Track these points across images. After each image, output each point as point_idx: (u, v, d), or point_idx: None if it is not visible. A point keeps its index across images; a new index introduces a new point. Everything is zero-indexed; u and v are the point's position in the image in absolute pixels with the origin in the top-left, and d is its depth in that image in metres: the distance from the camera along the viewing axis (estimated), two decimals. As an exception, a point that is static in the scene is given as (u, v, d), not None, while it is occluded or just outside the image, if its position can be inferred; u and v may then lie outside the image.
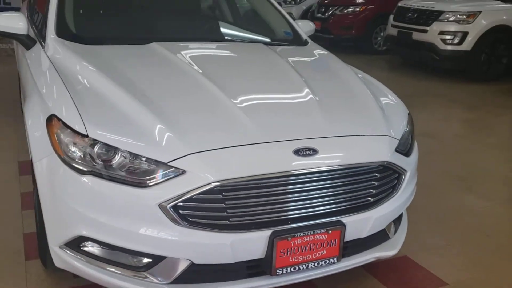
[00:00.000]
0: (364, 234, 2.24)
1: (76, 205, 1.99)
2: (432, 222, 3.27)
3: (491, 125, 5.85)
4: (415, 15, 8.36)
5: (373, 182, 2.22)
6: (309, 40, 3.41)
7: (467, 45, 7.86)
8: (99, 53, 2.64)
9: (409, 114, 2.67)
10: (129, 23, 3.17)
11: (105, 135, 1.99)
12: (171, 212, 1.89)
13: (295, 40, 3.38)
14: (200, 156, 1.93)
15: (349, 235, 2.18)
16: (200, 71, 2.49)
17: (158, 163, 1.93)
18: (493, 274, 2.73)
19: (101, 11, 3.30)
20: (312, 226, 2.07)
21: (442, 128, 5.55)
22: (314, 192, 2.08)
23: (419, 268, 2.74)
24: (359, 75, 2.92)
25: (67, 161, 2.00)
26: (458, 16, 7.89)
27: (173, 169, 1.91)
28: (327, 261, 2.15)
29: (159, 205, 1.89)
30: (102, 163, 1.96)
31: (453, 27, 7.90)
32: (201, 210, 1.93)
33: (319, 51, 3.24)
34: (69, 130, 2.03)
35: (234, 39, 3.29)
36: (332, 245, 2.14)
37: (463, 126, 5.78)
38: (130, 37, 2.97)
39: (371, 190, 2.22)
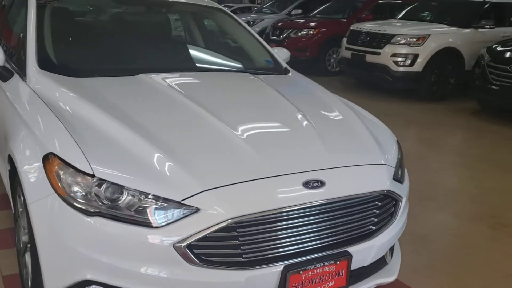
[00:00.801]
0: (367, 262, 2.27)
1: (81, 247, 1.90)
2: (415, 243, 3.35)
3: (448, 143, 6.11)
4: (368, 38, 8.66)
5: (374, 210, 2.26)
6: (289, 68, 3.46)
7: (418, 67, 8.22)
8: (89, 86, 2.55)
9: (397, 141, 2.74)
10: (114, 55, 3.10)
11: (113, 174, 1.92)
12: (186, 252, 1.85)
13: (276, 68, 3.41)
14: (213, 193, 1.91)
15: (354, 265, 2.20)
16: (197, 103, 2.46)
17: (170, 201, 1.88)
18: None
19: (83, 42, 3.19)
20: (322, 258, 2.08)
21: (403, 148, 5.72)
22: (323, 224, 2.09)
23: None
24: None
25: (71, 201, 1.92)
26: (408, 39, 8.24)
27: (186, 207, 1.87)
28: (335, 292, 2.16)
29: (173, 245, 1.84)
30: (110, 203, 1.89)
31: (404, 50, 8.24)
32: (215, 248, 1.90)
33: (303, 80, 3.29)
34: (71, 169, 1.95)
35: (220, 69, 3.28)
36: (340, 275, 2.15)
37: (422, 146, 6.00)
38: (117, 68, 2.90)
39: (373, 219, 2.26)
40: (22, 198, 2.36)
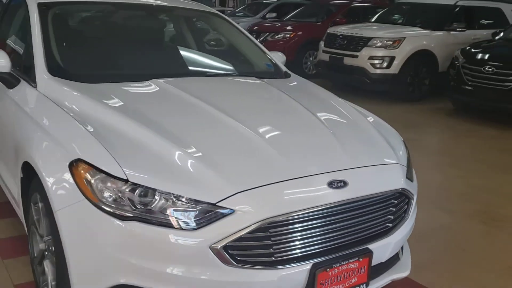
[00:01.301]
0: (384, 258, 2.35)
1: (115, 252, 1.92)
2: (416, 240, 3.45)
3: (431, 144, 6.30)
4: (345, 41, 8.83)
5: (391, 208, 2.34)
6: (289, 72, 3.53)
7: (394, 69, 8.44)
8: (104, 92, 2.55)
9: (403, 140, 2.84)
10: (124, 60, 3.10)
11: (146, 178, 1.95)
12: (222, 253, 1.88)
13: (277, 72, 3.47)
14: (246, 195, 1.95)
15: (374, 261, 2.28)
16: (215, 107, 2.49)
17: (205, 204, 1.91)
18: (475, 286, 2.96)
19: (90, 48, 3.18)
20: (346, 255, 2.15)
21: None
22: (346, 223, 2.16)
23: (420, 286, 2.90)
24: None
25: (103, 207, 1.93)
26: (385, 42, 8.45)
27: (221, 209, 1.91)
28: (359, 287, 2.24)
29: (209, 247, 1.88)
30: (144, 207, 1.92)
31: (381, 52, 8.45)
32: (248, 249, 1.94)
33: (306, 83, 3.37)
34: (103, 174, 1.96)
35: (226, 73, 3.31)
36: (362, 272, 2.23)
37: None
38: (128, 74, 2.91)
39: (390, 216, 2.34)
40: (40, 205, 2.35)
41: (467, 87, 7.43)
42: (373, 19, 10.43)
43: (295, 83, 3.35)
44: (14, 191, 2.82)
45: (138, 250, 1.91)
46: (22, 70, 2.87)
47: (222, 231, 1.89)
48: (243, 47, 3.64)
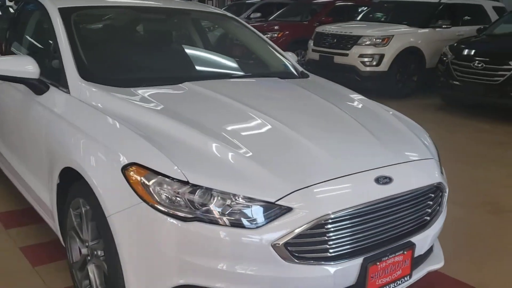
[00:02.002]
0: (423, 251, 2.44)
1: (176, 253, 1.95)
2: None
3: (427, 138, 6.43)
4: (335, 40, 8.94)
5: (429, 202, 2.43)
6: (306, 71, 3.59)
7: (384, 66, 8.59)
8: (142, 95, 2.57)
9: (429, 136, 2.93)
10: (153, 64, 3.11)
11: (205, 179, 1.97)
12: (284, 250, 1.93)
13: (295, 72, 3.52)
14: (303, 193, 2.00)
15: (415, 253, 2.36)
16: (254, 109, 2.53)
17: (265, 203, 1.96)
18: (501, 275, 3.07)
19: (118, 51, 3.18)
20: (393, 249, 2.22)
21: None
22: (391, 217, 2.23)
23: (445, 277, 2.99)
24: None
25: (164, 209, 1.95)
26: (374, 40, 8.59)
27: (280, 207, 1.96)
28: (402, 280, 2.31)
29: (271, 245, 1.92)
30: (205, 207, 1.95)
31: (371, 50, 8.59)
32: (306, 245, 1.99)
33: (327, 82, 3.44)
34: (162, 177, 1.99)
35: (251, 75, 3.34)
36: (406, 264, 2.30)
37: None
38: (160, 77, 2.92)
39: (428, 210, 2.43)
40: (83, 210, 2.36)
41: (457, 82, 7.61)
42: (359, 18, 10.60)
43: (318, 82, 3.41)
44: (44, 197, 2.81)
45: (199, 250, 1.94)
46: (49, 76, 2.85)
47: (282, 228, 1.94)
48: (260, 48, 3.68)
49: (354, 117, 2.67)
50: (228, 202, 1.96)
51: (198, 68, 3.25)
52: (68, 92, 2.66)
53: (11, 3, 3.94)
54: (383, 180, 2.20)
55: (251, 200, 1.96)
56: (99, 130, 2.33)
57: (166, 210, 1.96)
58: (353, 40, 8.68)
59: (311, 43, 9.45)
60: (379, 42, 8.58)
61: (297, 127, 2.39)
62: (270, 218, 1.95)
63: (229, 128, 2.34)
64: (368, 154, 2.35)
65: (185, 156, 2.07)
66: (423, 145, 2.62)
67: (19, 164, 3.21)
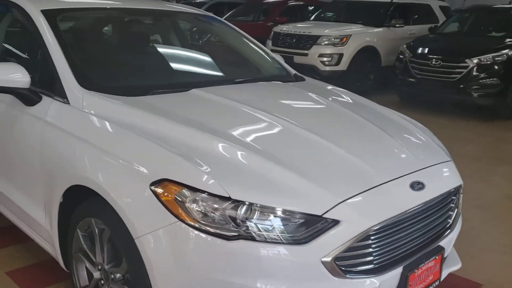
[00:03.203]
0: (447, 253, 2.42)
1: (218, 273, 1.83)
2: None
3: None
4: (294, 40, 8.95)
5: (451, 204, 2.42)
6: (299, 74, 3.51)
7: (343, 65, 8.69)
8: (153, 104, 2.39)
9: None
10: (155, 70, 2.91)
11: (247, 194, 1.85)
12: (334, 265, 1.85)
13: (289, 75, 3.44)
14: (348, 204, 1.92)
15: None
16: (275, 115, 2.42)
17: (311, 216, 1.86)
18: (506, 270, 3.14)
19: (116, 57, 2.96)
20: (427, 254, 2.19)
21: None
22: (424, 223, 2.20)
23: (452, 275, 3.00)
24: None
25: (203, 228, 1.82)
26: (333, 39, 8.67)
27: (326, 220, 1.87)
28: (433, 285, 2.29)
29: (321, 260, 1.83)
30: (248, 224, 1.83)
31: (330, 50, 8.66)
32: (352, 258, 1.92)
33: (328, 85, 3.39)
34: (201, 194, 1.84)
35: (252, 79, 3.21)
36: (436, 269, 2.28)
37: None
38: (166, 84, 2.72)
39: (451, 212, 2.42)
40: (96, 231, 2.17)
41: (415, 80, 7.82)
42: (312, 17, 10.68)
43: (320, 86, 3.36)
44: (37, 216, 2.58)
45: (244, 270, 1.82)
46: (39, 85, 2.60)
47: (331, 243, 1.85)
48: (256, 53, 3.57)
49: (372, 122, 2.62)
50: (273, 217, 1.85)
51: (202, 74, 3.10)
52: (67, 103, 2.43)
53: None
54: (417, 186, 2.16)
55: (296, 214, 1.86)
56: (116, 144, 2.13)
57: (206, 229, 1.82)
58: (312, 40, 8.71)
59: (269, 43, 9.40)
60: (337, 42, 8.66)
61: (326, 135, 2.30)
62: (317, 232, 1.86)
63: (257, 137, 2.23)
64: (397, 160, 2.31)
65: (220, 170, 1.93)
66: (439, 148, 2.62)
67: (1, 181, 2.92)
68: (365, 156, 2.23)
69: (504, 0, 11.85)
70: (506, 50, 7.42)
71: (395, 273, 2.04)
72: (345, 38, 8.68)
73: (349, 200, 1.93)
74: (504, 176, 5.07)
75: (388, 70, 9.03)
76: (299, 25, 9.47)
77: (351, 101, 3.09)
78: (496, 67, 7.26)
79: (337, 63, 8.64)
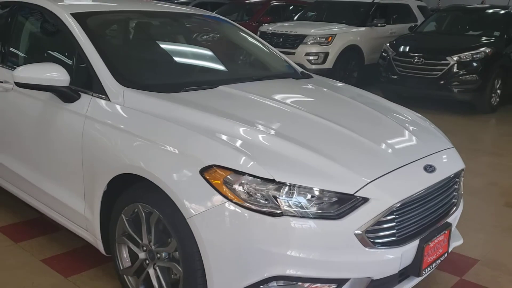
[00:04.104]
0: (453, 229, 2.72)
1: (268, 247, 2.07)
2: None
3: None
4: (281, 39, 9.22)
5: (455, 186, 2.72)
6: (305, 71, 3.78)
7: (329, 64, 9.01)
8: (189, 100, 2.61)
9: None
10: (185, 68, 3.14)
11: (289, 176, 2.11)
12: (364, 237, 2.12)
13: (297, 72, 3.70)
14: (375, 184, 2.20)
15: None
16: (293, 107, 2.69)
17: (345, 195, 2.13)
18: (499, 248, 3.47)
19: (148, 57, 3.17)
20: (438, 229, 2.48)
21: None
22: (436, 201, 2.49)
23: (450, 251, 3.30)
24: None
25: (253, 207, 2.07)
26: (319, 38, 8.97)
27: (358, 198, 2.14)
28: (442, 257, 2.58)
29: (354, 233, 2.10)
30: (291, 203, 2.08)
31: (316, 49, 8.96)
32: (379, 231, 2.19)
33: (332, 81, 3.66)
34: (249, 177, 2.09)
35: (268, 76, 3.47)
36: (445, 242, 2.58)
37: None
38: (196, 81, 2.96)
39: (455, 193, 2.72)
40: (143, 215, 2.39)
41: (398, 77, 8.18)
42: (296, 17, 10.99)
43: (328, 82, 3.63)
44: (76, 206, 2.77)
45: (289, 243, 2.08)
46: (76, 83, 2.79)
47: (362, 217, 2.13)
48: (267, 52, 3.83)
49: (383, 113, 2.90)
50: (311, 196, 2.11)
51: (225, 72, 3.33)
52: (108, 99, 2.64)
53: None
54: (429, 169, 2.45)
55: (332, 193, 2.12)
56: (163, 135, 2.35)
57: (254, 207, 2.07)
58: (299, 39, 9.00)
59: (256, 42, 9.63)
60: (323, 41, 8.97)
61: (348, 125, 2.57)
62: (350, 208, 2.12)
63: (287, 127, 2.48)
64: (411, 146, 2.60)
65: (262, 156, 2.18)
66: (442, 135, 2.92)
67: (34, 174, 3.10)
68: (384, 142, 2.51)
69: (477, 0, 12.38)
70: (484, 48, 7.84)
71: (413, 245, 2.32)
72: (330, 37, 9.00)
73: (375, 181, 2.21)
74: (487, 165, 5.44)
75: (371, 68, 9.39)
76: (286, 24, 9.75)
77: (357, 94, 3.37)
78: (474, 64, 7.67)
79: (323, 62, 8.95)
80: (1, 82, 3.25)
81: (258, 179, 2.09)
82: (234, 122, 2.39)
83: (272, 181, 2.09)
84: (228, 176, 2.12)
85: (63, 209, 2.92)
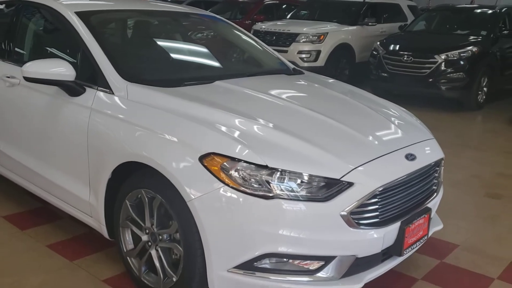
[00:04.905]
0: (433, 214, 2.94)
1: (262, 227, 2.27)
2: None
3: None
4: (274, 38, 9.42)
5: (435, 174, 2.93)
6: (297, 68, 3.99)
7: (321, 62, 9.22)
8: (189, 94, 2.79)
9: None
10: (183, 64, 3.33)
11: (280, 162, 2.31)
12: (350, 218, 2.32)
13: (288, 69, 3.91)
14: (360, 170, 2.40)
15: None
16: (288, 101, 2.89)
17: (332, 180, 2.33)
18: (479, 234, 3.69)
19: (150, 53, 3.36)
20: (419, 213, 2.69)
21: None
22: (416, 187, 2.70)
23: (432, 237, 3.52)
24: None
25: (248, 191, 2.26)
26: (311, 37, 9.18)
27: (344, 183, 2.34)
28: (422, 239, 2.79)
29: (340, 214, 2.31)
30: (283, 187, 2.28)
31: (308, 47, 9.17)
32: (362, 213, 2.40)
33: (325, 77, 3.87)
34: (242, 163, 2.29)
35: (261, 72, 3.67)
36: (425, 226, 2.78)
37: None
38: (194, 77, 3.15)
39: (435, 180, 2.93)
40: (146, 199, 2.58)
41: (388, 75, 8.40)
42: (289, 16, 11.19)
43: (319, 77, 3.84)
44: (82, 193, 2.95)
45: (280, 223, 2.27)
46: (80, 77, 2.96)
47: (347, 200, 2.33)
48: (260, 50, 4.03)
49: (368, 106, 3.11)
50: (301, 181, 2.31)
51: (221, 68, 3.53)
52: (112, 93, 2.83)
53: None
54: (410, 157, 2.66)
55: (320, 178, 2.32)
56: (165, 125, 2.54)
57: (248, 191, 2.27)
58: (292, 38, 9.21)
59: (250, 41, 9.83)
60: (315, 39, 9.18)
61: (335, 117, 2.78)
62: (337, 192, 2.33)
63: (279, 118, 2.67)
64: (393, 137, 2.81)
65: (256, 144, 2.38)
66: (423, 127, 3.13)
67: (39, 164, 3.27)
68: (369, 132, 2.72)
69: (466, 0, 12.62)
70: (471, 47, 8.08)
71: (395, 227, 2.52)
72: (322, 36, 9.21)
73: (360, 167, 2.42)
74: (471, 159, 5.67)
75: (362, 66, 9.60)
76: (279, 23, 9.95)
77: (347, 89, 3.59)
78: (462, 62, 7.91)
79: (315, 60, 9.16)
80: (8, 77, 3.42)
81: (253, 165, 2.29)
82: (231, 114, 2.59)
83: (265, 167, 2.29)
84: (225, 163, 2.31)
85: (68, 196, 3.10)
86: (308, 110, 2.82)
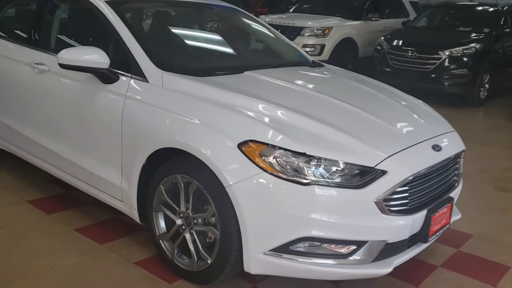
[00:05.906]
0: (454, 203, 3.05)
1: (299, 211, 2.36)
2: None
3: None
4: (278, 31, 9.40)
5: (457, 165, 3.04)
6: (316, 61, 4.08)
7: (325, 55, 9.30)
8: (224, 83, 2.87)
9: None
10: (215, 54, 3.40)
11: (318, 150, 2.40)
12: (382, 205, 2.43)
13: (308, 61, 4.00)
14: (392, 159, 2.50)
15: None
16: (321, 93, 2.99)
17: (366, 168, 2.43)
18: (491, 225, 3.82)
19: (181, 43, 3.43)
20: (442, 202, 2.80)
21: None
22: (441, 177, 2.81)
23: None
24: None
25: (285, 177, 2.36)
26: (315, 31, 9.26)
27: (377, 171, 2.44)
28: (445, 227, 2.90)
29: (374, 201, 2.41)
30: (320, 173, 2.38)
31: (313, 41, 9.25)
32: (394, 201, 2.50)
33: (343, 70, 3.96)
34: (281, 150, 2.38)
35: (287, 63, 3.77)
36: (447, 214, 2.90)
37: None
38: (225, 67, 3.23)
39: (456, 171, 3.04)
40: (182, 185, 2.66)
41: (392, 70, 8.51)
42: (292, 9, 11.26)
43: (339, 70, 3.94)
44: (114, 179, 3.02)
45: (315, 208, 2.37)
46: (114, 65, 3.03)
47: (380, 188, 2.43)
48: (282, 43, 4.13)
49: (394, 99, 3.21)
50: (336, 168, 2.40)
51: (249, 59, 3.62)
52: (146, 81, 2.90)
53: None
54: (436, 148, 2.77)
55: (355, 166, 2.42)
56: (202, 113, 2.61)
57: (285, 177, 2.36)
58: (297, 31, 9.29)
59: (254, 34, 9.90)
60: (320, 33, 9.26)
61: (365, 108, 2.87)
62: (371, 179, 2.43)
63: (312, 108, 2.76)
64: (420, 128, 2.91)
65: (293, 132, 2.47)
66: (444, 120, 3.24)
67: (67, 149, 3.34)
68: (398, 124, 2.83)
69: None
70: (474, 44, 8.20)
71: (422, 214, 2.63)
72: (327, 30, 9.30)
73: (392, 156, 2.52)
74: (477, 153, 5.79)
75: (365, 60, 9.71)
76: (283, 16, 10.02)
77: (367, 81, 3.68)
78: (465, 59, 8.03)
79: (320, 53, 9.25)
80: (37, 63, 3.48)
81: (290, 153, 2.38)
82: (266, 104, 2.67)
83: (303, 154, 2.38)
84: (263, 150, 2.40)
85: (98, 181, 3.18)
86: (339, 101, 2.91)
